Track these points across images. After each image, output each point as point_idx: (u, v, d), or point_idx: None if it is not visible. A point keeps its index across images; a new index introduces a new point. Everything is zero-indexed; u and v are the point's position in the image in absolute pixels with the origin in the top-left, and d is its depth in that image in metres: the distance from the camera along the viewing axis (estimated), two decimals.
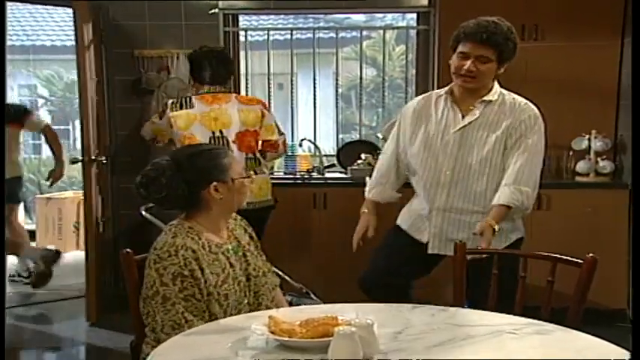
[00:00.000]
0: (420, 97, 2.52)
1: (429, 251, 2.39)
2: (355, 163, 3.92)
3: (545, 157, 3.62)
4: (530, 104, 2.36)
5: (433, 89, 4.08)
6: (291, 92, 4.49)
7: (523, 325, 1.63)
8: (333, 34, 4.59)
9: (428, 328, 1.59)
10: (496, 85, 2.35)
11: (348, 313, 1.56)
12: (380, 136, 3.92)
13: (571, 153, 3.80)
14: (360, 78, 4.51)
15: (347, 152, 4.12)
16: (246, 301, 1.84)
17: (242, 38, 4.39)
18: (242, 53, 4.39)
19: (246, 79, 4.48)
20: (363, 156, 3.90)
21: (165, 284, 1.70)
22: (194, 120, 3.13)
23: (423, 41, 4.22)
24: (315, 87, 4.46)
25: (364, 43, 4.78)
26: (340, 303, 1.77)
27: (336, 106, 4.59)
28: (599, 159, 3.74)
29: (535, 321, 1.67)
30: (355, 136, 4.92)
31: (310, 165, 4.16)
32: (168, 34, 4.09)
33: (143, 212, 3.29)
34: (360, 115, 4.68)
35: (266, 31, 4.50)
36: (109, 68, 4.14)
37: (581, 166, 3.75)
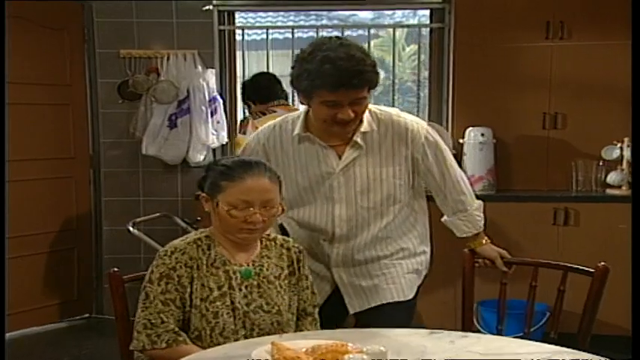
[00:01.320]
0: (264, 128, 2.23)
1: (350, 312, 2.21)
2: None
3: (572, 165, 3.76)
4: (409, 119, 2.12)
5: (448, 93, 4.14)
6: (292, 96, 4.50)
7: (555, 352, 1.62)
8: (337, 33, 4.61)
9: (447, 357, 1.58)
10: (367, 113, 2.06)
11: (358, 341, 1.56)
12: None
13: (601, 163, 3.80)
14: None
15: None
16: (242, 334, 1.85)
17: (238, 37, 4.42)
18: (238, 54, 4.42)
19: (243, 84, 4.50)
20: None
21: (151, 282, 1.83)
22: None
23: (436, 40, 4.24)
24: None
25: (372, 43, 4.78)
26: None
27: None
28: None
29: (568, 349, 1.66)
30: None
31: None
32: (157, 33, 4.12)
33: (130, 228, 3.30)
34: None
35: (265, 30, 4.54)
36: (93, 69, 4.17)
37: (612, 177, 3.75)
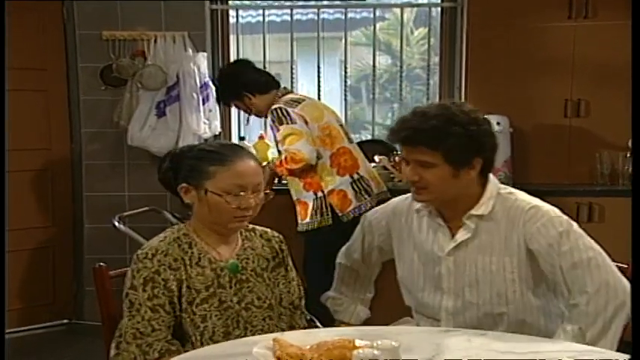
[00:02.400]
0: (389, 204, 2.26)
1: None
2: None
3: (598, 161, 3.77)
4: (541, 208, 1.99)
5: (461, 80, 4.16)
6: (291, 84, 4.51)
7: (582, 352, 1.64)
8: (340, 15, 4.63)
9: (464, 355, 1.60)
10: (488, 190, 2.02)
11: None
12: None
13: (628, 154, 3.82)
14: (373, 67, 4.54)
15: None
16: (237, 334, 1.87)
17: (232, 19, 4.43)
18: (232, 37, 4.43)
19: None
20: (377, 158, 3.91)
21: (134, 288, 1.82)
22: (324, 110, 3.39)
23: (448, 22, 4.26)
24: (319, 78, 4.49)
25: (377, 25, 4.80)
26: None
27: (344, 101, 4.61)
28: None
29: (595, 349, 1.69)
30: (366, 136, 4.95)
31: None
32: (144, 13, 4.13)
33: (116, 223, 3.31)
34: (372, 111, 4.71)
35: (261, 11, 4.54)
36: (72, 53, 4.17)
37: None
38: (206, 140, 4.07)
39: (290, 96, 3.42)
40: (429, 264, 2.07)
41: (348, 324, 2.30)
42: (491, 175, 2.05)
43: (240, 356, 1.57)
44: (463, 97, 4.04)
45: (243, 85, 3.41)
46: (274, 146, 3.89)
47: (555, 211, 1.97)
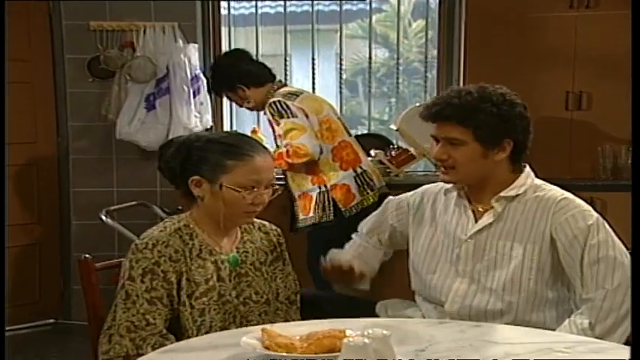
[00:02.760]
0: (419, 189, 2.30)
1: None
2: None
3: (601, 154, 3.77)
4: (573, 200, 2.04)
5: (459, 74, 4.17)
6: (285, 78, 4.51)
7: (574, 343, 1.65)
8: (335, 7, 4.64)
9: (457, 346, 1.61)
10: (522, 177, 2.07)
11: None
12: (394, 127, 3.95)
13: (631, 148, 3.82)
14: (369, 61, 4.55)
15: None
16: (234, 328, 1.88)
17: (224, 11, 4.44)
18: (224, 30, 4.44)
19: None
20: (372, 152, 3.92)
21: (132, 279, 1.81)
22: (323, 103, 3.41)
23: (446, 14, 4.27)
24: (313, 72, 4.51)
25: (374, 18, 4.81)
26: None
27: (340, 95, 4.63)
28: None
29: (588, 339, 1.71)
30: (362, 131, 4.95)
31: None
32: (132, 3, 4.13)
33: (104, 218, 3.32)
34: (368, 106, 4.71)
35: (254, 2, 4.54)
36: (59, 44, 4.18)
37: None
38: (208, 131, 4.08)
39: (286, 89, 3.43)
40: (449, 246, 2.10)
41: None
42: (528, 167, 2.10)
43: (229, 347, 1.58)
44: None
45: (238, 76, 3.41)
46: (269, 140, 3.90)
47: (587, 206, 2.01)
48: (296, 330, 1.60)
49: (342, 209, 3.20)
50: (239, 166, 1.88)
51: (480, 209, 2.08)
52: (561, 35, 3.86)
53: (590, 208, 2.01)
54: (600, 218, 1.98)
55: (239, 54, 3.58)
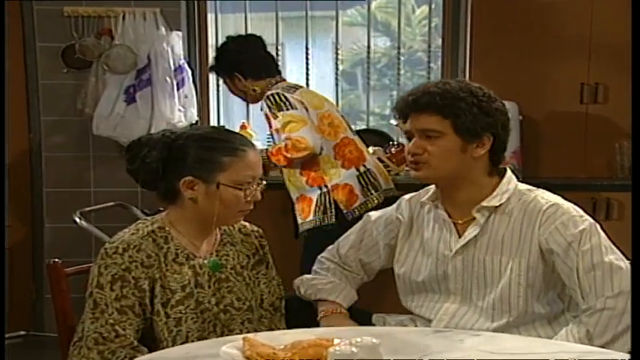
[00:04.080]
0: (400, 200, 2.30)
1: None
2: None
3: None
4: (561, 206, 2.02)
5: (465, 64, 4.18)
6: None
7: (583, 352, 1.67)
8: None
9: (455, 356, 1.62)
10: (504, 184, 2.07)
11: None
12: (394, 122, 3.96)
13: None
14: (368, 50, 4.55)
15: None
16: (214, 338, 1.89)
17: None
18: (210, 17, 4.45)
19: None
20: (371, 149, 3.93)
21: (100, 286, 1.82)
22: (323, 100, 3.44)
23: (452, 0, 4.27)
24: (307, 62, 4.52)
25: (374, 3, 4.82)
26: None
27: (337, 88, 4.63)
28: None
29: (597, 349, 1.72)
30: (361, 126, 4.96)
31: None
32: None
33: (77, 220, 3.33)
34: (367, 99, 4.72)
35: None
36: (30, 31, 4.18)
37: None
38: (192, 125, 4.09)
39: (285, 83, 3.44)
40: (435, 263, 2.11)
41: (333, 307, 2.18)
42: (509, 171, 2.11)
43: (207, 358, 1.59)
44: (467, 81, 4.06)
45: (238, 64, 3.43)
46: (260, 136, 3.92)
47: (577, 210, 2.01)
48: (281, 339, 1.61)
49: (345, 211, 3.20)
50: (235, 162, 1.90)
51: (461, 221, 2.09)
52: (576, 22, 3.88)
53: (581, 212, 2.01)
54: (594, 223, 1.98)
55: (249, 41, 3.56)
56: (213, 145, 1.92)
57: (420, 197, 2.19)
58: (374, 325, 2.22)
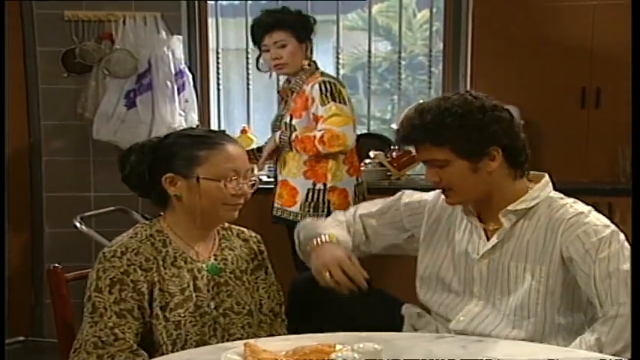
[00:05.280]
0: (437, 196, 2.26)
1: None
2: (362, 163, 3.95)
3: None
4: (587, 215, 2.00)
5: (466, 68, 4.19)
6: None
7: (588, 359, 1.68)
8: None
9: None
10: (537, 189, 2.06)
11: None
12: (395, 127, 3.97)
13: None
14: (369, 54, 4.56)
15: None
16: (214, 342, 1.89)
17: (211, 0, 4.45)
18: (210, 21, 4.47)
19: (217, 57, 4.54)
20: (372, 154, 3.95)
21: (99, 290, 1.82)
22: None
23: (453, 4, 4.29)
24: None
25: (375, 7, 4.83)
26: None
27: None
28: None
29: (602, 355, 1.73)
30: (362, 130, 4.97)
31: None
32: None
33: (77, 224, 3.33)
34: (368, 103, 4.73)
35: None
36: (30, 35, 4.18)
37: None
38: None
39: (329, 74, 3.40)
40: (462, 265, 2.12)
41: (325, 237, 2.12)
42: (546, 177, 2.10)
43: None
44: (469, 86, 4.07)
45: (311, 30, 3.41)
46: (259, 141, 3.91)
47: (602, 220, 1.99)
48: (282, 344, 1.61)
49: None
50: (212, 155, 1.91)
51: (491, 228, 2.08)
52: (577, 26, 3.88)
53: (606, 221, 1.99)
54: (616, 231, 1.97)
55: None
56: (190, 142, 1.95)
57: None
58: (403, 315, 2.22)
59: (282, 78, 3.58)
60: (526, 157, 2.08)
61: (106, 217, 3.90)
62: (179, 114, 4.10)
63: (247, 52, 4.50)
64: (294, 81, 3.34)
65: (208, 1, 4.42)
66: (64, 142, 4.26)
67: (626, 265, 1.90)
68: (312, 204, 3.22)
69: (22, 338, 4.32)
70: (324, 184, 3.23)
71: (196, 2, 4.34)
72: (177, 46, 4.13)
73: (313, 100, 3.22)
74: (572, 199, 2.07)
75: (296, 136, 3.22)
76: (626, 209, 3.66)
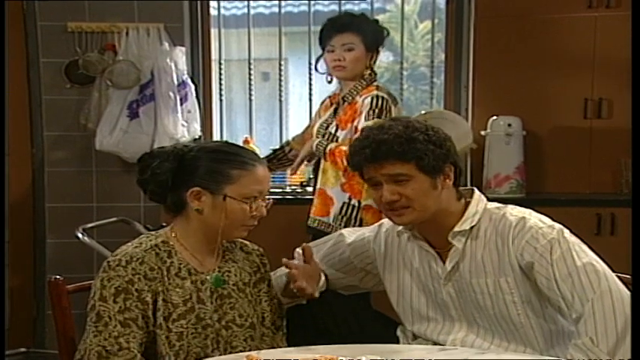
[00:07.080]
0: (378, 225, 2.31)
1: None
2: None
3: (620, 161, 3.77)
4: (529, 219, 2.02)
5: (468, 79, 4.19)
6: (280, 84, 4.54)
7: None
8: (334, 6, 4.65)
9: None
10: (472, 206, 2.08)
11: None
12: None
13: None
14: None
15: None
16: (217, 355, 1.89)
17: (213, 11, 4.46)
18: (213, 32, 4.46)
19: (220, 67, 4.53)
20: None
21: (104, 299, 1.81)
22: None
23: (455, 15, 4.29)
24: (310, 77, 4.51)
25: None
26: None
27: None
28: None
29: None
30: None
31: (305, 177, 4.20)
32: (114, 2, 4.14)
33: (80, 235, 3.32)
34: None
35: (246, 2, 4.56)
36: (33, 46, 4.19)
37: None
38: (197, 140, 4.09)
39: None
40: (430, 292, 2.12)
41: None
42: (476, 190, 2.11)
43: None
44: (471, 96, 4.07)
45: (382, 41, 3.37)
46: (262, 151, 3.89)
47: (545, 221, 2.01)
48: (283, 357, 1.60)
49: None
50: (243, 175, 1.92)
51: (442, 250, 2.09)
52: (579, 37, 3.88)
53: (549, 222, 2.01)
54: (561, 228, 1.98)
55: None
56: (223, 158, 1.94)
57: (395, 227, 2.17)
58: (398, 336, 2.22)
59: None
60: (463, 178, 2.12)
61: (108, 228, 3.89)
62: (182, 125, 4.10)
63: (250, 63, 4.51)
64: (348, 89, 3.24)
65: (211, 14, 4.42)
66: (66, 153, 4.26)
67: (581, 261, 1.90)
68: (345, 218, 3.11)
69: (23, 349, 4.30)
70: (359, 202, 3.12)
71: (199, 13, 4.35)
72: (179, 57, 4.13)
73: (360, 113, 3.12)
74: (509, 206, 2.08)
75: (331, 150, 3.13)
76: (629, 220, 3.65)
